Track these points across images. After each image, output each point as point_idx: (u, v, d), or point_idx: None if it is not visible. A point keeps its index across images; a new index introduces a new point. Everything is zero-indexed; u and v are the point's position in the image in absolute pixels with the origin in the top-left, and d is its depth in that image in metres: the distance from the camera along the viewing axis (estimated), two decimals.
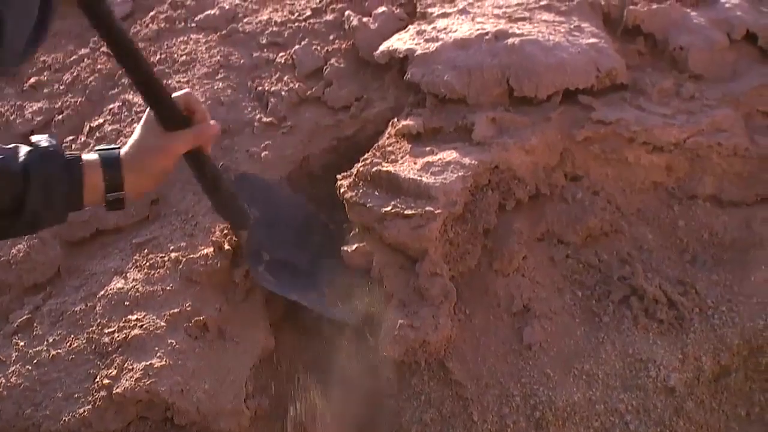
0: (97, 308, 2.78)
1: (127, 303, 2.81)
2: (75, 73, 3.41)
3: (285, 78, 3.23)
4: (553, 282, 2.77)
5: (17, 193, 1.85)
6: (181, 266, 2.83)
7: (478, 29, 3.06)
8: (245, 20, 3.46)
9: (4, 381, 2.66)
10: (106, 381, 2.62)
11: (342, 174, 2.79)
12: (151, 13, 3.57)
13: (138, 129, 2.01)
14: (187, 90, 2.09)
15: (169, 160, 2.06)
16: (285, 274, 2.87)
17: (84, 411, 2.57)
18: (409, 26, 3.21)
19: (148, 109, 2.02)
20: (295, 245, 2.94)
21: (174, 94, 2.03)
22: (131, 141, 2.01)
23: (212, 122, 2.11)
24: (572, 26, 3.13)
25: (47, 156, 1.91)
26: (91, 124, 3.15)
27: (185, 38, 3.47)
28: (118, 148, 2.00)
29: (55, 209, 1.96)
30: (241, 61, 3.31)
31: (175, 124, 2.04)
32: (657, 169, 2.90)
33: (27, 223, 1.90)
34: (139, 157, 2.01)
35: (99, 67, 3.42)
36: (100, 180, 1.96)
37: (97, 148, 2.00)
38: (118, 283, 2.85)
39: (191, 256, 2.85)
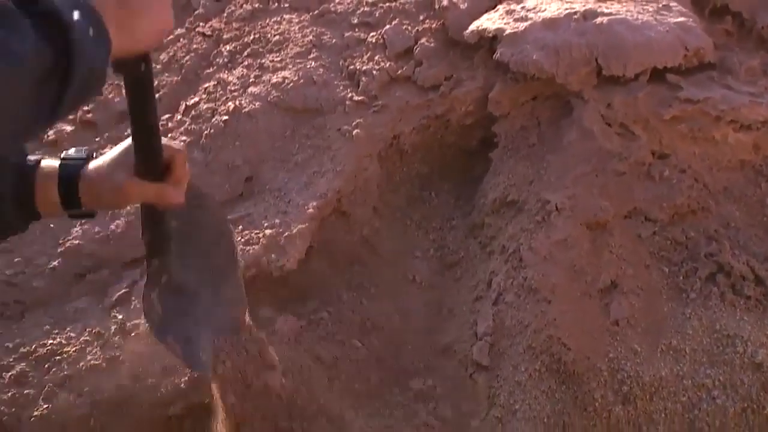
0: None
1: None
2: (171, 53, 3.43)
3: (376, 57, 3.24)
4: (640, 259, 2.77)
5: None
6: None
7: (566, 9, 3.05)
8: (337, 1, 3.45)
9: (103, 353, 2.72)
10: None
11: None
12: None
13: (114, 153, 1.84)
14: (181, 147, 1.90)
15: (121, 202, 1.93)
16: (176, 302, 2.52)
17: (181, 382, 2.61)
18: (498, 6, 3.21)
19: (130, 142, 1.86)
20: (198, 266, 2.58)
21: (166, 143, 1.88)
22: (100, 162, 1.87)
23: (179, 187, 1.92)
24: (660, 5, 3.12)
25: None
26: (187, 103, 3.18)
27: (278, 18, 3.47)
28: (86, 160, 1.87)
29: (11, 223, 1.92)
30: (333, 41, 3.31)
31: (148, 174, 1.89)
32: (744, 148, 2.89)
33: None
34: (96, 183, 1.87)
35: (194, 46, 3.44)
36: (54, 194, 1.88)
37: (65, 155, 1.88)
38: None
39: (285, 233, 2.86)
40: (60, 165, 1.78)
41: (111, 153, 1.79)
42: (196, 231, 2.33)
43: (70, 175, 1.78)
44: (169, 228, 2.11)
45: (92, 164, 1.78)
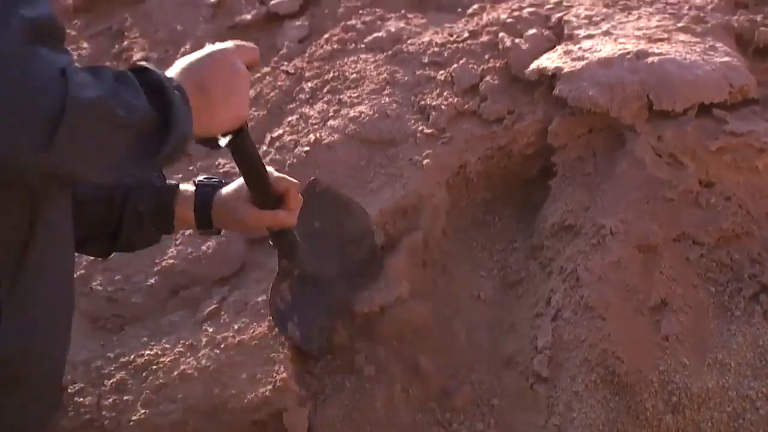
0: None
1: None
2: (258, 89, 3.54)
3: (444, 93, 3.22)
4: (688, 279, 2.78)
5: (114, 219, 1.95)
6: None
7: (620, 49, 3.05)
8: (409, 42, 3.44)
9: (195, 363, 2.78)
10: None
11: None
12: (326, 36, 3.59)
13: (235, 186, 2.04)
14: (294, 182, 2.09)
15: (245, 228, 2.13)
16: (306, 291, 2.84)
17: (265, 390, 2.68)
18: (557, 47, 3.21)
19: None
20: (333, 260, 2.91)
21: (281, 176, 2.06)
22: (226, 192, 2.04)
23: (291, 213, 2.10)
24: (707, 46, 3.10)
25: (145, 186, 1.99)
26: (272, 135, 3.29)
27: (356, 58, 3.49)
28: (217, 187, 2.05)
29: (148, 237, 2.09)
30: (405, 79, 3.31)
31: (263, 206, 2.07)
32: None
33: (123, 246, 2.04)
34: (224, 211, 2.05)
35: (279, 84, 3.54)
36: (190, 215, 2.05)
37: (199, 181, 2.04)
38: None
39: None
40: (196, 191, 1.98)
41: (232, 186, 1.99)
42: (340, 230, 2.61)
43: (205, 201, 1.99)
44: (294, 237, 2.31)
45: (223, 191, 1.99)
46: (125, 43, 3.92)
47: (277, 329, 2.77)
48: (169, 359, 2.81)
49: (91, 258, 3.10)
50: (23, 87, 1.29)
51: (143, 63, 1.52)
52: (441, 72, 3.29)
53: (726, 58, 3.03)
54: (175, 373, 2.74)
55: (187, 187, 1.99)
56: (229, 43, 1.71)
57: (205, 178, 2.06)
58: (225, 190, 2.01)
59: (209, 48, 1.68)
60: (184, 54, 3.50)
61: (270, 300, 2.68)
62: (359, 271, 2.87)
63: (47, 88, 1.30)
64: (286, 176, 2.06)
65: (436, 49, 3.38)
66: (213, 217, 2.03)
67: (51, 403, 1.80)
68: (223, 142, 1.72)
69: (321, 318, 2.76)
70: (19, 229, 1.55)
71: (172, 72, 1.57)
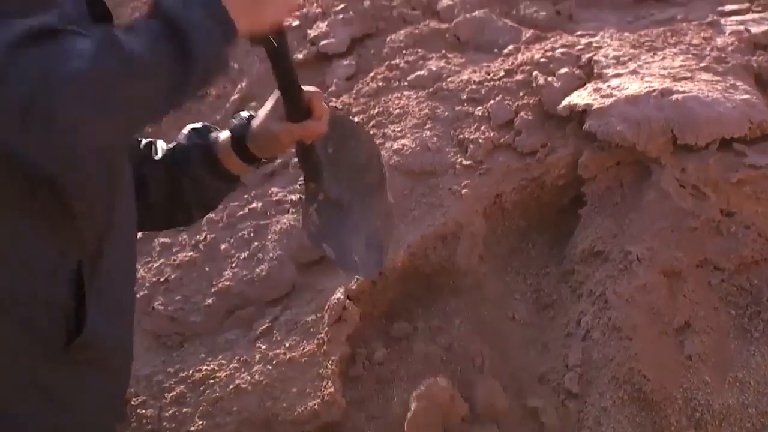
0: (325, 318, 2.94)
1: None
2: None
3: (482, 128, 3.27)
4: (710, 302, 2.82)
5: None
6: None
7: (646, 87, 3.09)
8: (449, 80, 3.50)
9: (249, 378, 2.85)
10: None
11: None
12: (371, 74, 3.66)
13: (267, 108, 1.95)
14: (317, 90, 1.97)
15: (282, 145, 2.02)
16: (332, 215, 2.58)
17: (314, 404, 2.74)
18: (587, 85, 3.25)
19: (277, 96, 1.94)
20: (351, 184, 2.62)
21: (305, 88, 1.94)
22: (259, 118, 1.97)
23: (320, 122, 1.96)
24: (728, 85, 3.13)
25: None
26: None
27: (399, 95, 3.52)
28: (248, 121, 1.96)
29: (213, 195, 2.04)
30: (445, 114, 3.35)
31: (296, 118, 1.95)
32: None
33: (187, 216, 2.02)
34: (260, 137, 1.96)
35: None
36: (234, 156, 1.96)
37: (231, 123, 1.98)
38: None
39: None
40: (231, 132, 1.94)
41: (264, 109, 1.94)
42: (349, 154, 2.46)
43: (239, 137, 1.94)
44: (319, 157, 2.22)
45: (254, 122, 1.93)
46: None
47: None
48: (225, 374, 2.90)
49: (154, 280, 3.23)
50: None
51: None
52: (478, 108, 3.34)
53: (746, 96, 3.08)
54: (231, 387, 2.85)
55: (224, 133, 1.97)
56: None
57: (237, 118, 2.03)
58: (259, 115, 1.97)
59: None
60: (241, 91, 3.64)
61: (302, 222, 2.55)
62: (371, 192, 2.68)
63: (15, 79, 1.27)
64: (310, 87, 1.99)
65: (474, 86, 3.43)
66: (251, 147, 1.98)
67: (125, 385, 1.83)
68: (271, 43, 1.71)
69: (352, 242, 2.60)
70: (96, 228, 1.60)
71: None
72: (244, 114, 1.99)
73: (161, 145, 1.93)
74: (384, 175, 2.52)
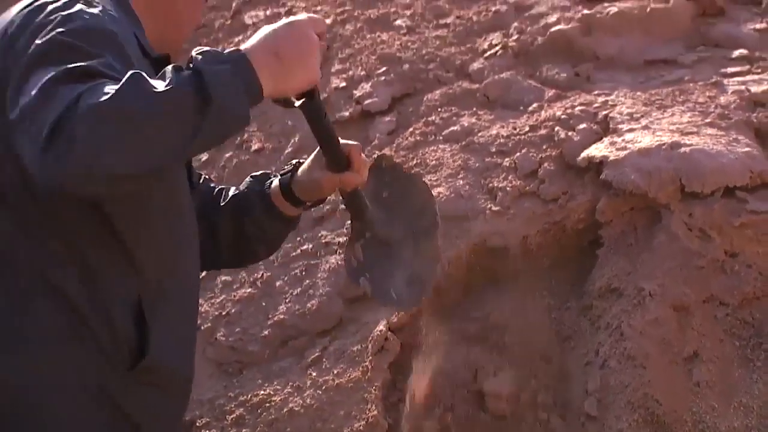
0: (369, 348, 2.97)
1: None
2: None
3: (509, 177, 3.28)
4: (716, 334, 2.83)
5: None
6: None
7: (657, 141, 3.10)
8: (479, 134, 3.50)
9: (301, 401, 2.90)
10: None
11: None
12: (410, 129, 3.68)
13: (310, 160, 1.97)
14: (357, 144, 2.01)
15: (324, 192, 2.03)
16: (378, 252, 2.53)
17: (359, 426, 2.79)
18: (604, 138, 3.25)
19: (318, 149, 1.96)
20: (404, 227, 2.59)
21: (344, 141, 1.97)
22: (303, 168, 1.98)
23: (358, 174, 1.98)
24: (731, 138, 3.13)
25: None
26: None
27: (435, 148, 3.53)
28: (293, 171, 1.99)
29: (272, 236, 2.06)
30: (476, 165, 3.36)
31: (336, 168, 1.98)
32: None
33: (247, 256, 2.06)
34: (305, 184, 1.98)
35: None
36: (284, 201, 1.99)
37: (281, 172, 2.00)
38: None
39: None
40: (279, 179, 1.99)
41: (309, 158, 1.97)
42: (405, 200, 2.47)
43: (286, 184, 1.98)
44: (363, 200, 2.20)
45: (300, 169, 1.96)
46: (245, 136, 3.98)
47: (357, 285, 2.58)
48: (279, 398, 2.95)
49: (216, 313, 3.27)
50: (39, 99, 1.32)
51: (199, 48, 1.46)
52: (506, 159, 3.37)
53: (747, 149, 3.08)
54: (285, 410, 2.90)
55: (275, 180, 2.00)
56: (302, 15, 1.65)
57: (285, 167, 2.07)
58: (303, 166, 1.99)
59: (285, 19, 1.62)
60: (294, 145, 3.65)
61: (344, 257, 2.53)
62: (423, 235, 2.64)
63: (50, 111, 1.30)
64: (349, 141, 2.00)
65: (501, 140, 3.45)
66: (297, 192, 2.00)
67: (184, 405, 1.84)
68: (297, 103, 1.69)
69: (394, 278, 2.54)
70: (156, 251, 1.63)
71: (251, 42, 1.50)
72: (293, 162, 2.02)
73: (230, 192, 1.97)
74: (437, 222, 2.51)
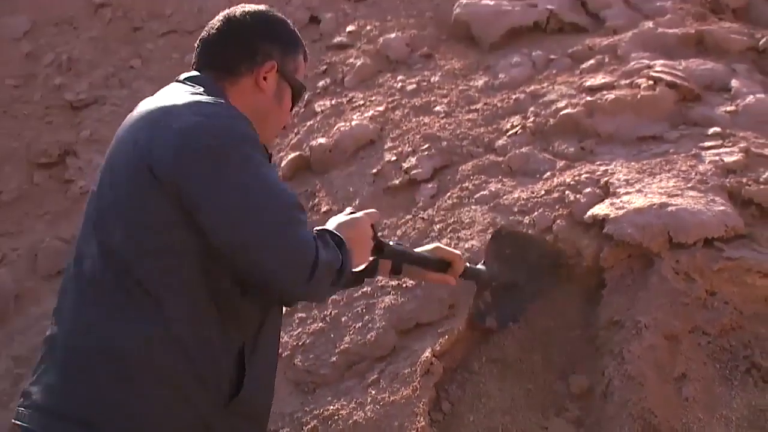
0: (417, 371, 3.02)
1: None
2: (403, 230, 3.66)
3: (529, 232, 3.37)
4: (700, 358, 2.92)
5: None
6: None
7: (648, 201, 3.23)
8: (504, 197, 3.61)
9: (363, 415, 2.98)
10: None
11: None
12: (448, 194, 3.76)
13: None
14: (458, 255, 2.45)
15: (425, 280, 2.41)
16: (502, 295, 2.96)
17: None
18: (605, 200, 3.35)
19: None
20: (522, 273, 3.05)
21: (450, 250, 2.42)
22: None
23: (451, 278, 2.46)
24: (709, 199, 3.25)
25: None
26: None
27: (468, 208, 3.63)
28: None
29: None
30: (502, 222, 3.45)
31: (436, 271, 2.42)
32: (766, 288, 3.04)
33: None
34: (411, 271, 2.39)
35: (417, 226, 3.65)
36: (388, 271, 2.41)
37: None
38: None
39: None
40: (393, 262, 2.37)
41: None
42: (524, 254, 2.91)
43: (397, 266, 2.39)
44: (473, 269, 2.62)
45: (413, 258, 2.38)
46: (316, 200, 4.14)
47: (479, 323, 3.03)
48: (345, 412, 3.04)
49: (294, 344, 3.44)
50: (299, 250, 1.74)
51: (327, 227, 1.94)
52: (526, 217, 3.47)
53: (722, 207, 3.21)
54: (350, 421, 3.00)
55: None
56: (360, 213, 2.12)
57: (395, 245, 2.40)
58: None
59: (351, 216, 2.09)
60: (355, 206, 3.88)
61: (472, 305, 2.94)
62: (542, 279, 3.08)
63: (309, 251, 1.74)
64: (454, 251, 2.48)
65: (522, 202, 3.55)
66: (403, 272, 2.39)
67: (265, 426, 2.01)
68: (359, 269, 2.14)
69: (513, 309, 3.02)
70: (260, 314, 1.89)
71: (331, 227, 1.96)
72: (401, 245, 2.41)
73: None
74: (553, 269, 2.93)
